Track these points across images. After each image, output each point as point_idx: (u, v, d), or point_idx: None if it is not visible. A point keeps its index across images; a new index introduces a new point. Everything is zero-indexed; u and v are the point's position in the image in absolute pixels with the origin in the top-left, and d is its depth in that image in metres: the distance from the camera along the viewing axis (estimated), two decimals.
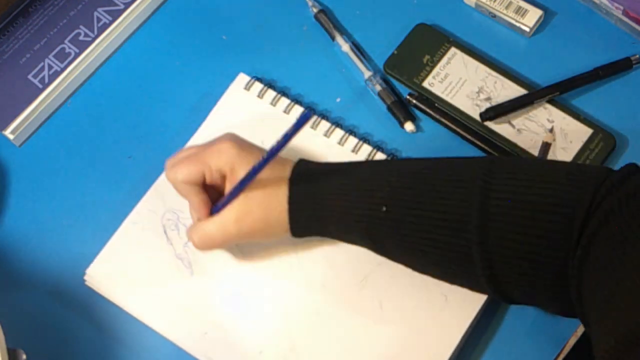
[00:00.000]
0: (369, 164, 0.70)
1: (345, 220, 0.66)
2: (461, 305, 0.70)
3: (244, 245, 0.74)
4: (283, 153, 0.64)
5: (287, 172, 0.68)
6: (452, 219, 0.61)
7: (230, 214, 0.67)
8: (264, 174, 0.66)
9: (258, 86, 0.80)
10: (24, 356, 0.64)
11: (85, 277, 0.75)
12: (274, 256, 0.74)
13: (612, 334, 0.51)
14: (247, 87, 0.80)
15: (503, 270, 0.61)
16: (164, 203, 0.76)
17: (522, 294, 0.63)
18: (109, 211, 0.78)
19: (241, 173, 0.67)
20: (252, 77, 0.81)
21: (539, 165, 0.64)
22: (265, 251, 0.74)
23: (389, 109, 0.79)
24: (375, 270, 0.72)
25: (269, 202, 0.67)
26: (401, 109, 0.79)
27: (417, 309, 0.70)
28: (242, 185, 0.66)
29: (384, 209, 0.64)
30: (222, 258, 0.74)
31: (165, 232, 0.75)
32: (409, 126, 0.78)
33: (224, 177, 0.68)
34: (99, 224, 0.77)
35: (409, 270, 0.69)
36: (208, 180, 0.68)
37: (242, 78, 0.81)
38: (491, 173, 0.61)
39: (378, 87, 0.80)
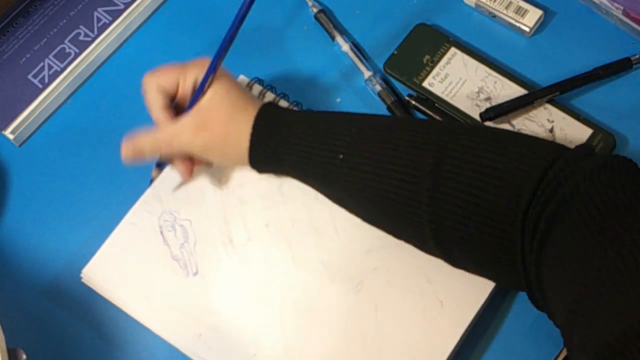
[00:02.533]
0: (333, 113, 0.71)
1: (303, 163, 0.67)
2: (457, 311, 0.70)
3: (239, 247, 0.74)
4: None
5: (256, 105, 0.69)
6: (405, 172, 0.62)
7: (190, 120, 0.69)
8: (236, 98, 0.69)
9: (257, 88, 0.80)
10: (24, 356, 0.64)
11: (82, 275, 0.75)
12: (269, 259, 0.74)
13: (588, 349, 0.49)
14: (247, 89, 0.80)
15: (448, 227, 0.61)
16: (162, 204, 0.76)
17: (463, 255, 0.63)
18: (109, 211, 0.78)
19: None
20: (252, 79, 0.81)
21: (495, 136, 0.64)
22: (261, 253, 0.74)
23: (389, 109, 0.79)
24: (371, 275, 0.72)
25: (233, 121, 0.68)
26: (401, 109, 0.79)
27: (413, 314, 0.70)
28: (207, 77, 0.68)
29: (341, 156, 0.65)
30: (217, 260, 0.74)
31: (161, 232, 0.75)
32: None
33: (194, 90, 0.70)
34: (98, 224, 0.77)
35: (405, 275, 0.70)
36: (180, 89, 0.69)
37: (242, 80, 0.81)
38: (447, 137, 0.62)
39: (378, 87, 0.80)
